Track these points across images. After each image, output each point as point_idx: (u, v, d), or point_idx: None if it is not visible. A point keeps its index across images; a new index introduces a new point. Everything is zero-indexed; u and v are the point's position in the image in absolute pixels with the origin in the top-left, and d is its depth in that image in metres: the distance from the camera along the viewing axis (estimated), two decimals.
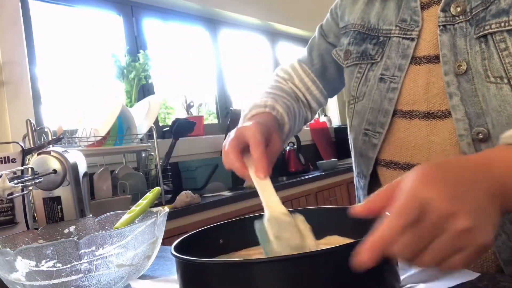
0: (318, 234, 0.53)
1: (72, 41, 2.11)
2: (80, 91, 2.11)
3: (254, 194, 1.95)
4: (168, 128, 2.14)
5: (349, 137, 0.80)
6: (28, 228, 0.86)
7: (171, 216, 1.51)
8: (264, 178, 0.55)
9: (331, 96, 0.94)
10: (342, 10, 0.83)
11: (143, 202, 0.71)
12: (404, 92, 0.67)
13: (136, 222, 0.68)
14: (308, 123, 0.93)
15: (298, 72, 0.90)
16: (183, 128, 2.01)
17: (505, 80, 0.56)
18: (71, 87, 2.08)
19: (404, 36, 0.68)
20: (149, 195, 0.72)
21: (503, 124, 0.56)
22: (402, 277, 0.46)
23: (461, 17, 0.61)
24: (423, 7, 0.67)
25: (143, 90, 2.22)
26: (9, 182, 0.70)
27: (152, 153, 1.87)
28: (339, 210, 0.55)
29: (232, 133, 0.61)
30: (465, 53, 0.60)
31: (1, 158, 0.86)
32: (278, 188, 1.98)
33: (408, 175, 0.39)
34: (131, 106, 1.94)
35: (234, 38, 2.94)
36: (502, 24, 0.56)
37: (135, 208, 0.70)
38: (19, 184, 0.73)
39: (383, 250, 0.35)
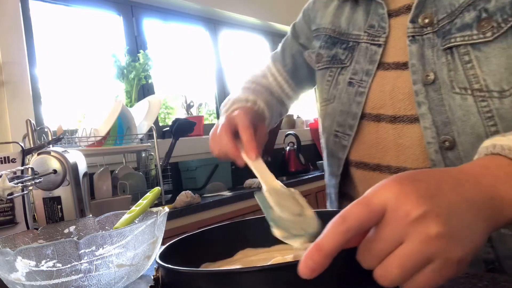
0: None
1: (72, 41, 2.11)
2: (80, 91, 2.11)
3: (254, 194, 1.95)
4: (168, 128, 2.14)
5: (321, 138, 0.81)
6: (28, 228, 0.86)
7: (171, 216, 1.51)
8: (255, 159, 0.58)
9: (302, 93, 0.98)
10: (314, 13, 0.84)
11: (143, 202, 0.71)
12: (372, 96, 0.69)
13: (136, 222, 0.68)
14: (282, 117, 0.99)
15: (272, 71, 0.93)
16: (183, 128, 2.01)
17: (469, 92, 0.58)
18: (71, 87, 2.09)
19: (372, 42, 0.70)
20: (149, 195, 0.72)
21: (467, 133, 0.58)
22: None
23: (428, 28, 0.63)
24: (390, 15, 0.69)
25: (143, 90, 2.22)
26: (9, 182, 0.70)
27: (152, 153, 1.87)
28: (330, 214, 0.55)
29: (220, 121, 0.64)
30: (432, 63, 0.62)
31: (1, 158, 0.86)
32: None
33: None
34: (131, 106, 1.94)
35: (234, 38, 2.94)
36: (466, 38, 0.58)
37: (135, 208, 0.70)
38: (19, 184, 0.73)
39: (324, 257, 0.31)
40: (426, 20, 0.63)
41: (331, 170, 0.79)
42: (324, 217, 0.53)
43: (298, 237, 0.45)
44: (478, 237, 0.33)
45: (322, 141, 0.81)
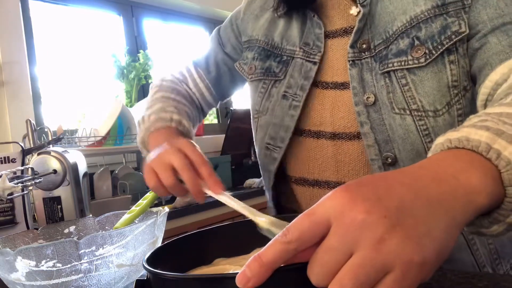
0: None
1: (72, 41, 2.11)
2: (80, 91, 2.11)
3: (254, 194, 1.96)
4: None
5: (256, 150, 0.80)
6: (28, 228, 0.86)
7: (171, 216, 1.51)
8: (219, 192, 0.54)
9: (222, 101, 0.95)
10: (244, 24, 0.83)
11: (143, 202, 0.71)
12: (312, 114, 0.71)
13: (136, 222, 0.68)
14: (199, 124, 0.95)
15: (194, 76, 0.90)
16: None
17: (407, 112, 0.62)
18: (71, 87, 2.09)
19: (307, 59, 0.71)
20: (149, 195, 0.71)
21: (407, 149, 0.62)
22: None
23: (366, 53, 0.66)
24: (327, 36, 0.71)
25: (143, 90, 2.22)
26: (9, 182, 0.70)
27: None
28: None
29: (165, 153, 0.58)
30: (372, 86, 0.65)
31: (1, 158, 0.86)
32: None
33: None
34: (131, 106, 1.94)
35: None
36: (402, 63, 0.62)
37: (135, 208, 0.70)
38: (19, 184, 0.73)
39: (261, 268, 0.30)
40: (364, 46, 0.66)
41: (265, 183, 0.80)
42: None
43: None
44: (440, 233, 0.30)
45: (257, 153, 0.80)
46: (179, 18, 2.58)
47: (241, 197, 2.07)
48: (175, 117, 0.73)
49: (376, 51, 0.65)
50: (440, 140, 0.40)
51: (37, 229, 0.70)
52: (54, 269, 0.52)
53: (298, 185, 0.74)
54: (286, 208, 0.79)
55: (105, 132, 1.53)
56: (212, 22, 2.76)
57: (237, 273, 0.31)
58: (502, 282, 0.45)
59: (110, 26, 2.27)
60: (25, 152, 0.88)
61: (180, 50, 2.61)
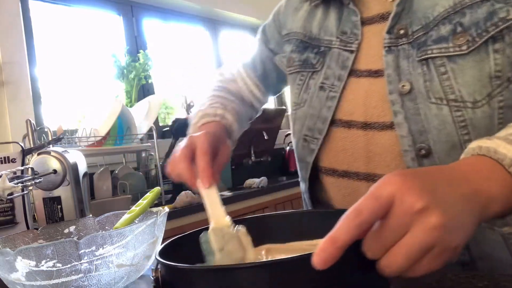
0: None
1: (72, 41, 2.11)
2: (80, 91, 2.11)
3: (254, 194, 1.96)
4: (168, 128, 2.14)
5: (292, 142, 0.82)
6: (28, 228, 0.86)
7: (171, 216, 1.51)
8: (209, 188, 0.55)
9: (274, 95, 0.99)
10: (285, 17, 0.84)
11: (143, 202, 0.71)
12: (344, 103, 0.70)
13: (136, 222, 0.68)
14: (253, 119, 0.99)
15: (242, 75, 0.93)
16: (183, 128, 2.00)
17: (444, 102, 0.60)
18: (71, 87, 2.09)
19: (344, 48, 0.71)
20: (149, 195, 0.72)
21: (442, 141, 0.60)
22: None
23: (403, 39, 0.64)
24: (364, 22, 0.70)
25: (143, 90, 2.22)
26: (9, 182, 0.70)
27: (152, 153, 1.87)
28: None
29: (183, 142, 0.62)
30: (408, 73, 0.63)
31: (1, 158, 0.86)
32: (278, 188, 1.98)
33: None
34: (131, 106, 1.94)
35: (234, 38, 2.94)
36: (442, 50, 0.60)
37: (135, 208, 0.70)
38: (19, 184, 0.73)
39: (337, 250, 0.33)
40: (401, 31, 0.64)
41: (301, 174, 0.80)
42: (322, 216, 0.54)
43: None
44: (469, 227, 0.37)
45: (293, 145, 0.81)
46: (179, 18, 2.58)
47: (241, 197, 2.08)
48: (219, 111, 0.78)
49: (414, 37, 0.62)
50: (473, 145, 0.45)
51: (37, 229, 0.70)
52: (54, 269, 0.52)
53: (327, 176, 0.74)
54: (319, 200, 0.78)
55: (105, 132, 1.53)
56: (212, 22, 2.76)
57: (245, 264, 0.35)
58: (502, 282, 0.45)
59: (110, 26, 2.27)
60: (25, 152, 0.88)
61: (180, 50, 2.61)
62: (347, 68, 0.69)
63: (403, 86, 0.63)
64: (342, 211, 0.36)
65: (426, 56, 0.61)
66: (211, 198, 0.55)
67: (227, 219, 0.53)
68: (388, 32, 0.65)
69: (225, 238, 0.51)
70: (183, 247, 0.52)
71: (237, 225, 0.53)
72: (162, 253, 0.45)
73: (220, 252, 0.49)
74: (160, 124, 2.38)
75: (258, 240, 0.54)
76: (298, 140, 0.77)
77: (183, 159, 0.58)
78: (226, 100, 0.84)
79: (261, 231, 0.56)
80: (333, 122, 0.71)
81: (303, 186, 0.81)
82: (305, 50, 0.76)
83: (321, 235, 0.36)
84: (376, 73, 0.67)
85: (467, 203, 0.38)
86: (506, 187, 0.41)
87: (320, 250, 0.34)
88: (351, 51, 0.69)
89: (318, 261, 0.33)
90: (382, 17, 0.67)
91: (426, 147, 0.61)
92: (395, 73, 0.64)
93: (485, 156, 0.43)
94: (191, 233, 0.54)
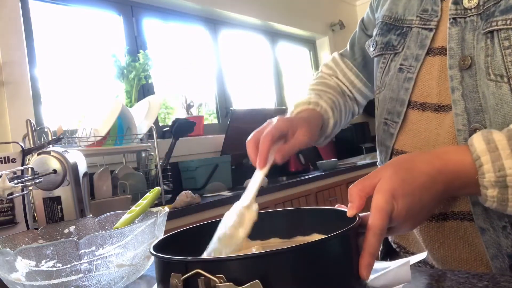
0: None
1: (72, 41, 2.11)
2: (80, 91, 2.11)
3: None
4: (168, 128, 2.14)
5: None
6: (28, 228, 0.86)
7: (171, 216, 1.51)
8: (260, 170, 0.58)
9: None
10: (377, 2, 0.84)
11: (143, 202, 0.71)
12: (420, 84, 0.68)
13: (136, 222, 0.68)
14: (356, 115, 0.98)
15: (341, 67, 0.92)
16: (183, 128, 2.01)
17: (505, 79, 0.56)
18: (71, 87, 2.08)
19: (424, 26, 0.69)
20: (149, 195, 0.72)
21: (498, 122, 0.57)
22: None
23: (473, 10, 0.60)
24: None
25: (143, 90, 2.22)
26: (9, 182, 0.70)
27: (152, 153, 1.87)
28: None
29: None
30: (471, 47, 0.60)
31: (1, 158, 0.86)
32: (278, 188, 1.97)
33: (382, 179, 0.48)
34: (131, 106, 1.94)
35: (234, 38, 2.94)
36: (508, 22, 0.56)
37: (135, 208, 0.70)
38: (19, 184, 0.73)
39: (373, 258, 0.42)
40: (472, 2, 0.61)
41: (379, 158, 0.79)
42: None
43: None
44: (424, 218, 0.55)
45: (376, 128, 0.80)
46: (179, 18, 2.58)
47: (241, 197, 2.04)
48: (312, 99, 0.79)
49: (485, 7, 0.59)
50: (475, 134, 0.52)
51: (37, 229, 0.70)
52: (54, 269, 0.52)
53: None
54: None
55: (105, 132, 1.53)
56: (212, 22, 2.76)
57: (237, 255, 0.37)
58: (502, 282, 0.45)
59: (110, 26, 2.27)
60: (25, 152, 0.88)
61: (180, 50, 2.61)
62: (425, 47, 0.67)
63: (464, 60, 0.60)
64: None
65: (491, 28, 0.57)
66: (254, 180, 0.57)
67: (248, 200, 0.54)
68: (455, 2, 0.62)
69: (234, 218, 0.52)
70: (181, 242, 0.52)
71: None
72: (158, 247, 0.45)
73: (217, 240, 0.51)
74: (160, 124, 2.38)
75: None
76: (379, 124, 0.76)
77: (252, 140, 0.62)
78: (321, 92, 0.85)
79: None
80: (409, 104, 0.69)
81: None
82: (388, 33, 0.75)
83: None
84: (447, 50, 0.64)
85: (435, 202, 0.51)
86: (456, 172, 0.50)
87: (366, 266, 0.41)
88: (430, 29, 0.67)
89: (367, 275, 0.41)
90: None
91: (481, 127, 0.58)
92: (457, 46, 0.61)
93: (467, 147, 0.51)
94: (188, 229, 0.55)
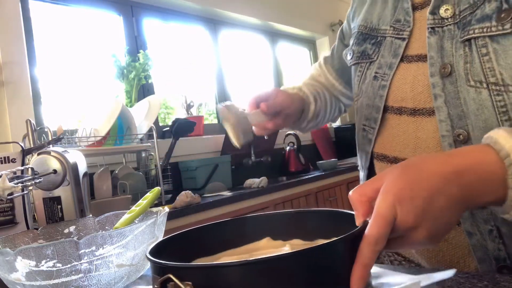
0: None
1: (72, 41, 2.11)
2: (80, 91, 2.11)
3: (254, 194, 1.96)
4: (168, 128, 2.14)
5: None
6: (28, 228, 0.86)
7: (171, 216, 1.52)
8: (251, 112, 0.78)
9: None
10: (353, 12, 0.87)
11: (143, 202, 0.71)
12: (394, 89, 0.70)
13: (136, 222, 0.68)
14: (342, 113, 1.06)
15: (324, 70, 0.99)
16: (183, 128, 2.01)
17: (484, 85, 0.57)
18: (71, 87, 2.08)
19: (397, 36, 0.71)
20: (149, 195, 0.72)
21: (480, 127, 0.58)
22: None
23: (450, 19, 0.62)
24: (415, 8, 0.69)
25: (143, 90, 2.22)
26: (9, 182, 0.70)
27: (152, 153, 1.87)
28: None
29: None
30: (450, 55, 0.61)
31: (1, 158, 0.86)
32: (278, 188, 1.97)
33: (387, 181, 0.44)
34: (131, 106, 1.94)
35: (234, 38, 2.94)
36: (485, 30, 0.57)
37: (135, 208, 0.70)
38: (19, 184, 0.73)
39: (368, 273, 0.39)
40: (448, 12, 0.62)
41: (360, 163, 0.82)
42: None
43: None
44: (450, 226, 0.45)
45: (356, 134, 0.83)
46: (179, 18, 2.58)
47: (241, 197, 2.08)
48: (296, 85, 0.91)
49: (461, 17, 0.61)
50: (486, 134, 0.47)
51: (37, 229, 0.70)
52: (54, 269, 0.52)
53: (379, 162, 0.75)
54: None
55: (105, 132, 1.53)
56: (212, 22, 2.76)
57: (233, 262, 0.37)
58: (502, 282, 0.45)
59: (110, 26, 2.27)
60: (25, 152, 0.88)
61: (180, 50, 2.61)
62: (398, 56, 0.69)
63: (444, 68, 0.61)
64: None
65: (469, 36, 0.59)
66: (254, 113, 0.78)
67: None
68: (432, 12, 0.63)
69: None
70: (178, 244, 0.52)
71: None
72: (155, 251, 0.45)
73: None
74: (160, 124, 2.38)
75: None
76: (358, 130, 0.79)
77: (253, 97, 0.80)
78: (308, 84, 0.95)
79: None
80: (386, 109, 0.71)
81: (361, 175, 0.83)
82: (364, 42, 0.77)
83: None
84: (426, 58, 0.65)
85: (452, 209, 0.43)
86: (494, 181, 0.44)
87: (358, 278, 0.38)
88: (403, 39, 0.69)
89: (360, 286, 0.38)
90: None
91: (465, 133, 0.59)
92: (437, 55, 0.62)
93: (489, 146, 0.45)
94: (181, 233, 0.53)
